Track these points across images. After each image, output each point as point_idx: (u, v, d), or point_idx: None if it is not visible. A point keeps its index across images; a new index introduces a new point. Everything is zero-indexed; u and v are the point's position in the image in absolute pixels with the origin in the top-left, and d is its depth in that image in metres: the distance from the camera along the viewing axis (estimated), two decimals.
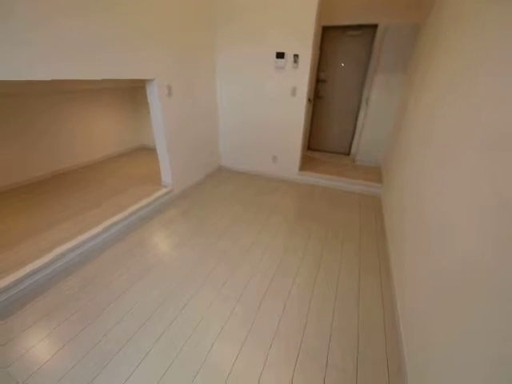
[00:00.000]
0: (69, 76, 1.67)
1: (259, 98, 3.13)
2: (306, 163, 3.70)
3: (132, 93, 4.17)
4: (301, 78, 2.84)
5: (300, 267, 1.91)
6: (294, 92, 2.93)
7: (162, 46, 2.32)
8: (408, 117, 2.43)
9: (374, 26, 3.38)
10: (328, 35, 3.67)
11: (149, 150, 4.34)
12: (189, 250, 2.07)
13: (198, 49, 2.79)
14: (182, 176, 2.96)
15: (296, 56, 2.74)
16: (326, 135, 4.27)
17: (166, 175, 2.82)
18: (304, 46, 2.69)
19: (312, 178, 3.34)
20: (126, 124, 4.20)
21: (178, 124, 2.72)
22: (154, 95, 2.40)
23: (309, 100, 3.18)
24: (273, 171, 3.50)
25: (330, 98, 4.02)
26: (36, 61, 1.48)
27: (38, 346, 1.33)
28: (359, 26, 3.46)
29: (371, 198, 3.04)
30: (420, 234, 1.42)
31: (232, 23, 2.90)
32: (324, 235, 2.29)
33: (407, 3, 3.07)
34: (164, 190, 2.76)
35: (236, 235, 2.25)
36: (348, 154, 4.22)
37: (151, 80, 2.32)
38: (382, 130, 3.50)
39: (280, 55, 2.79)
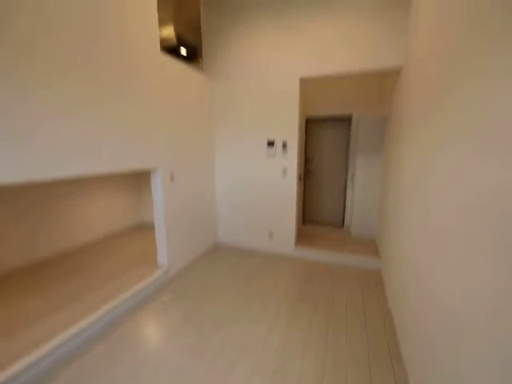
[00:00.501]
0: (74, 173, 1.80)
1: (254, 180, 3.42)
2: (302, 237, 3.74)
3: (135, 173, 4.52)
4: (290, 160, 3.18)
5: (302, 366, 1.72)
6: (285, 172, 3.23)
7: (165, 137, 2.66)
8: (389, 191, 2.63)
9: (350, 117, 4.00)
10: (311, 123, 4.29)
11: (148, 227, 4.41)
12: (181, 343, 1.89)
13: (198, 139, 3.21)
14: (178, 255, 2.95)
15: (285, 143, 3.14)
16: (319, 209, 4.46)
17: (162, 256, 2.80)
18: (291, 134, 3.12)
19: (308, 253, 3.33)
20: (127, 201, 4.40)
21: (177, 206, 2.88)
22: (157, 182, 2.63)
23: (299, 178, 3.47)
24: (269, 247, 3.51)
25: (319, 175, 4.39)
26: (46, 162, 1.68)
27: None
28: (337, 117, 4.09)
29: (371, 272, 2.97)
30: (424, 320, 1.35)
31: (228, 118, 3.42)
32: (326, 324, 2.11)
33: (374, 101, 3.74)
34: (159, 272, 2.69)
35: (231, 328, 2.08)
36: (341, 226, 4.32)
37: (155, 168, 2.58)
38: (370, 203, 3.71)
39: (271, 143, 3.20)
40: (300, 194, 3.86)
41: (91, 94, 1.86)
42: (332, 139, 4.23)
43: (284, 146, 3.15)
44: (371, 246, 3.46)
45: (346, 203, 4.20)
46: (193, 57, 4.41)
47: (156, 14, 2.44)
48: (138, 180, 4.55)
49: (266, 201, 3.40)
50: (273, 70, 3.08)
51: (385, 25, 2.56)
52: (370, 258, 3.07)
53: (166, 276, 2.78)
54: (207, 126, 3.39)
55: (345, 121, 4.08)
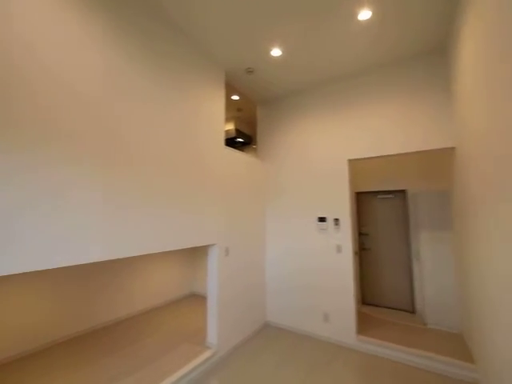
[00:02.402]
0: (149, 251, 2.08)
1: (305, 255, 3.35)
2: (364, 323, 3.26)
3: None
4: (343, 236, 3.08)
5: None
6: (339, 248, 3.10)
7: (223, 216, 2.92)
8: (472, 274, 2.24)
9: (403, 191, 3.86)
10: (361, 198, 4.24)
11: (199, 298, 4.45)
12: None
13: (251, 217, 3.43)
14: (228, 335, 2.82)
15: (336, 220, 3.13)
16: (380, 288, 3.96)
17: (212, 336, 2.71)
18: (342, 211, 3.11)
19: (373, 346, 2.82)
20: (181, 271, 4.63)
21: (230, 281, 2.93)
22: (213, 257, 2.79)
23: (355, 253, 3.27)
24: (325, 333, 3.11)
25: (376, 250, 4.05)
26: (133, 243, 1.99)
27: None
28: (389, 191, 3.99)
29: (458, 383, 2.30)
30: None
31: (279, 196, 3.66)
32: None
33: (429, 176, 3.61)
34: (207, 353, 2.58)
35: None
36: (412, 311, 3.67)
37: (212, 245, 2.79)
38: (446, 285, 3.16)
39: (322, 219, 3.22)
40: (356, 270, 3.55)
41: (169, 188, 2.28)
42: (386, 213, 4.04)
43: (336, 221, 3.13)
44: (456, 342, 2.78)
45: (414, 284, 3.65)
46: (249, 143, 5.17)
47: (223, 118, 3.06)
48: (193, 251, 4.87)
49: (319, 278, 3.21)
50: (321, 152, 3.36)
51: (430, 109, 2.70)
52: (457, 361, 2.43)
53: (215, 357, 2.63)
54: (260, 204, 3.65)
55: (399, 193, 3.95)
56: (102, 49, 1.82)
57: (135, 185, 1.98)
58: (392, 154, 2.87)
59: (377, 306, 3.93)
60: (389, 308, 3.83)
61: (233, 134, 4.55)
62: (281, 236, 3.59)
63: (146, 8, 2.14)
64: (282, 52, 2.81)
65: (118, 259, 3.55)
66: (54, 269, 2.92)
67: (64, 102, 1.58)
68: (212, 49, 2.73)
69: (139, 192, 2.00)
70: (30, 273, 2.70)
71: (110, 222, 1.79)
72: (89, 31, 1.74)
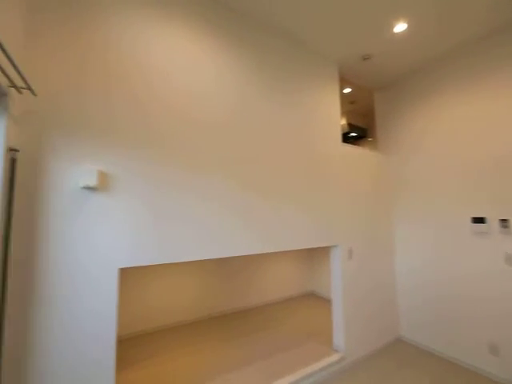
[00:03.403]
0: (279, 249, 2.29)
1: (452, 262, 2.69)
2: None
3: None
4: None
5: None
6: (509, 258, 2.31)
7: (345, 216, 2.78)
8: None
9: None
10: None
11: (317, 298, 4.46)
12: None
13: (375, 217, 3.09)
14: (355, 342, 2.67)
15: (504, 221, 2.34)
16: None
17: (339, 339, 2.64)
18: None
19: None
20: (299, 269, 4.78)
21: (355, 285, 2.76)
22: (336, 258, 2.72)
23: None
24: (492, 369, 2.37)
25: None
26: (259, 241, 2.21)
27: None
28: None
29: None
30: None
31: (410, 194, 3.12)
32: None
33: None
34: (335, 357, 2.52)
35: None
36: None
37: (335, 246, 2.71)
38: None
39: (479, 220, 2.50)
40: None
41: (288, 188, 2.40)
42: None
43: (504, 223, 2.35)
44: None
45: None
46: (363, 136, 4.76)
47: (339, 114, 2.94)
48: (310, 249, 4.92)
49: (477, 295, 2.49)
50: (465, 138, 2.63)
51: None
52: None
53: (343, 363, 2.54)
54: (384, 203, 3.25)
55: None
56: (235, 81, 2.16)
57: (260, 191, 2.21)
58: None
59: None
60: None
61: (345, 129, 4.30)
62: (415, 238, 3.05)
63: (259, 24, 2.37)
64: (408, 25, 2.41)
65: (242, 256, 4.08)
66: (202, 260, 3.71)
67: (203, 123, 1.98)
68: (323, 46, 2.69)
69: (261, 195, 2.22)
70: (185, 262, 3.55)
71: (245, 224, 2.09)
72: (214, 59, 2.11)
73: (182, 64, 1.91)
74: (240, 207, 2.08)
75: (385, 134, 3.48)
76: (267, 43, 2.41)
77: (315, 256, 4.79)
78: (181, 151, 1.83)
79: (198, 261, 2.14)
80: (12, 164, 1.24)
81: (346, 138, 4.63)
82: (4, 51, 0.89)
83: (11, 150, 1.23)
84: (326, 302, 4.22)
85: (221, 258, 3.95)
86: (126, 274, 3.13)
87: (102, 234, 1.51)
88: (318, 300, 4.35)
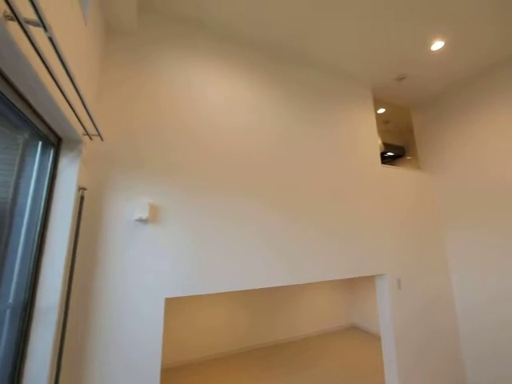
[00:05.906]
0: (322, 279, 2.19)
1: None
2: None
3: None
4: None
5: None
6: None
7: (390, 243, 2.58)
8: None
9: None
10: None
11: (359, 332, 4.08)
12: None
13: (425, 242, 2.82)
14: None
15: None
16: None
17: (393, 381, 2.34)
18: None
19: None
20: (338, 300, 4.45)
21: (407, 320, 2.48)
22: (383, 288, 2.49)
23: None
24: None
25: None
26: (308, 271, 2.13)
27: None
28: None
29: None
30: None
31: (468, 217, 2.81)
32: None
33: None
34: None
35: None
36: None
37: (381, 275, 2.51)
38: None
39: None
40: None
41: (334, 217, 2.34)
42: None
43: None
44: None
45: None
46: (401, 155, 4.56)
47: (376, 135, 2.88)
48: (351, 279, 4.61)
49: None
50: None
51: None
52: None
53: None
54: (435, 228, 2.97)
55: None
56: (275, 112, 2.26)
57: (298, 218, 2.18)
58: None
59: None
60: None
61: (381, 150, 4.16)
62: (476, 268, 2.69)
63: (295, 60, 2.49)
64: (445, 42, 2.36)
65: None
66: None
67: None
68: (357, 70, 2.72)
69: (301, 222, 2.18)
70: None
71: (285, 253, 2.05)
72: (256, 96, 2.23)
73: (226, 104, 2.06)
74: (280, 237, 2.06)
75: (427, 151, 3.28)
76: (305, 74, 2.53)
77: (355, 284, 4.46)
78: (223, 182, 1.92)
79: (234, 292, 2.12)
80: (81, 201, 1.39)
81: (383, 158, 4.46)
82: (86, 109, 1.04)
83: (81, 189, 1.38)
84: (370, 336, 3.84)
85: (265, 290, 3.87)
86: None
87: (150, 264, 1.58)
88: (360, 335, 3.97)
